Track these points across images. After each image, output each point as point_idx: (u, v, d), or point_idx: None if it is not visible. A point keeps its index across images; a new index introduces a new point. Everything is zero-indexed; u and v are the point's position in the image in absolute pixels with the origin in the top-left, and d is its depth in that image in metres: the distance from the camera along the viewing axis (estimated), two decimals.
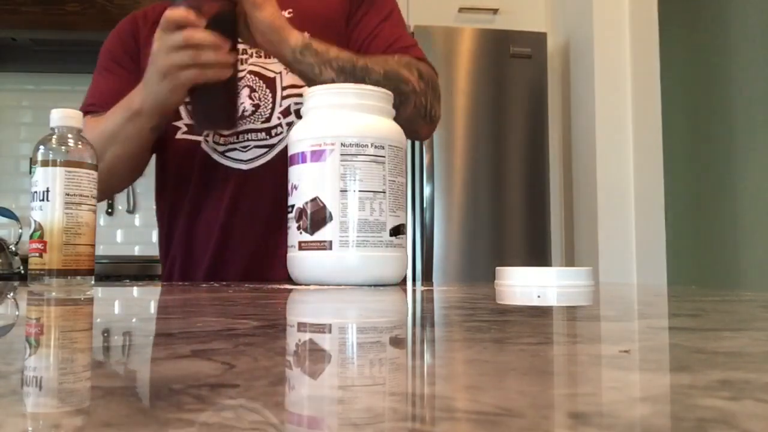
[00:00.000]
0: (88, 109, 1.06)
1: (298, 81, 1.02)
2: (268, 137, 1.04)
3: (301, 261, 0.81)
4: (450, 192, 2.32)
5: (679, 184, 2.85)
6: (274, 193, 1.01)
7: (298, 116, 1.04)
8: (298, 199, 0.81)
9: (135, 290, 0.81)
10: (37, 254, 0.75)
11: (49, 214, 0.75)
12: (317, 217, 0.79)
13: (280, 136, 1.04)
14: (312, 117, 0.83)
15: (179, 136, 1.07)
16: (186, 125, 1.07)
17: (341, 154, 0.78)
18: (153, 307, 0.53)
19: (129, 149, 0.99)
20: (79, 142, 0.78)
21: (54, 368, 0.24)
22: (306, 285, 0.80)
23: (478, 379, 0.22)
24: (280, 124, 1.05)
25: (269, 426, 0.15)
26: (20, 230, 2.42)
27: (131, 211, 2.67)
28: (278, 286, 0.78)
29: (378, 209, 0.79)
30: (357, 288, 0.75)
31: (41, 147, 0.76)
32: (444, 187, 2.32)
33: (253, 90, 1.05)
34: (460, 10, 2.58)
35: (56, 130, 0.77)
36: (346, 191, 0.78)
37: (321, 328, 0.37)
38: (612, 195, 2.29)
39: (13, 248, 2.34)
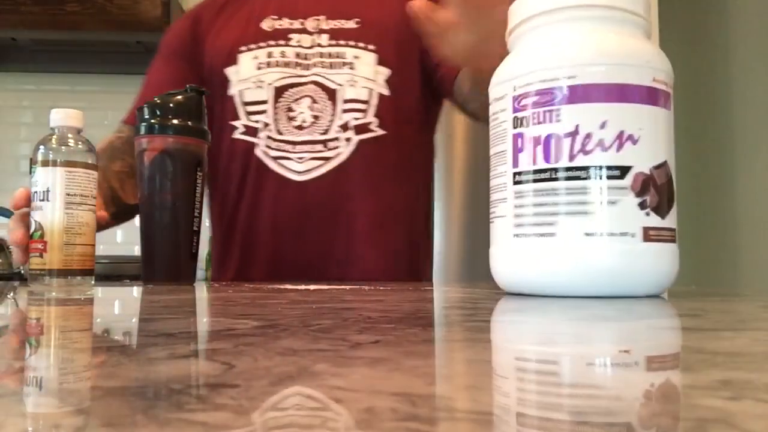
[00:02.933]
0: (127, 119, 1.11)
1: (360, 95, 1.02)
2: (324, 149, 1.04)
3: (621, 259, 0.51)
4: (450, 192, 2.32)
5: (679, 183, 2.84)
6: (327, 206, 1.02)
7: (357, 132, 1.03)
8: (633, 158, 0.50)
9: (135, 290, 0.81)
10: (38, 254, 0.75)
11: (50, 214, 0.75)
12: (669, 193, 0.53)
13: (337, 150, 1.03)
14: (622, 40, 0.54)
15: (236, 136, 1.07)
16: (244, 125, 1.06)
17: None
18: (153, 307, 0.53)
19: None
20: (79, 142, 0.78)
21: (54, 368, 0.24)
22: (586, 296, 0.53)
23: (478, 379, 0.22)
24: (337, 138, 1.04)
25: (269, 426, 0.15)
26: None
27: None
28: (279, 286, 0.78)
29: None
30: (357, 288, 0.75)
31: (41, 147, 0.76)
32: (444, 187, 2.32)
33: (314, 101, 1.04)
34: None
35: (56, 130, 0.77)
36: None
37: (320, 328, 0.37)
38: None
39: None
